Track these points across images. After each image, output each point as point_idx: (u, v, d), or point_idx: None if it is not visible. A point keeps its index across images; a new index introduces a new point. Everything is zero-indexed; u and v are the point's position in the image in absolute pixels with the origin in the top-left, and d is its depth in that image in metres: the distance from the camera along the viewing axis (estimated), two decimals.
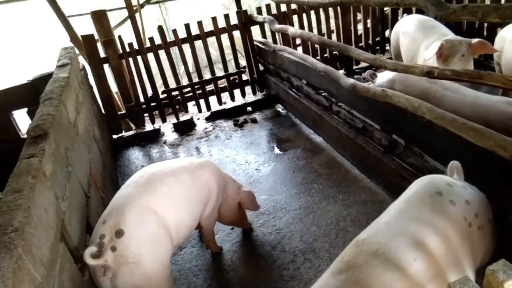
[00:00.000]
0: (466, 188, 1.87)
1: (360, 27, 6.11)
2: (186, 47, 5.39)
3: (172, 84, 5.47)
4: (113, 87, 5.58)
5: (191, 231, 2.66)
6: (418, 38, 3.95)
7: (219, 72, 5.72)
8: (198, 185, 2.59)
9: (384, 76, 3.23)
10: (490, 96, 2.76)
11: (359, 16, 6.10)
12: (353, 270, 1.55)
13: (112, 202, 2.31)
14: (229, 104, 5.73)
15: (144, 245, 2.09)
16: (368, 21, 6.01)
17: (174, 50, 6.41)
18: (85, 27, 6.24)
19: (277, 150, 4.41)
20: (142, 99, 5.36)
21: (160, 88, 5.46)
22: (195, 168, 2.66)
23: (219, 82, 5.65)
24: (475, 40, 3.28)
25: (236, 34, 5.54)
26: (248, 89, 5.82)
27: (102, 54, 5.11)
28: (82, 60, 5.15)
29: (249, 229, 3.21)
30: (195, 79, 5.50)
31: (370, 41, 6.09)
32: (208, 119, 5.54)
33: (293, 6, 5.55)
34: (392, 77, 3.14)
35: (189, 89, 5.51)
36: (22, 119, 4.43)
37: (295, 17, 5.67)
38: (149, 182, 2.34)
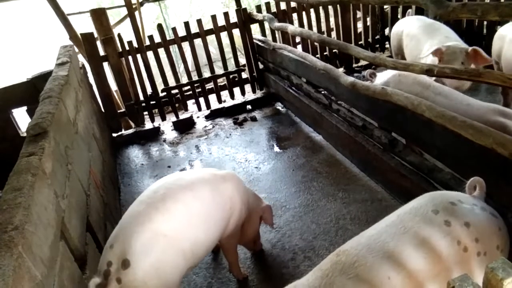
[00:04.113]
0: (474, 210, 1.72)
1: (359, 25, 6.11)
2: (185, 45, 5.39)
3: (171, 82, 5.47)
4: (113, 85, 5.58)
5: (209, 252, 2.45)
6: (421, 39, 3.95)
7: (219, 71, 5.71)
8: (219, 202, 2.34)
9: (380, 78, 3.24)
10: (482, 104, 2.76)
11: (359, 14, 6.10)
12: (327, 280, 1.56)
13: (122, 221, 2.13)
14: (228, 103, 5.73)
15: (151, 277, 1.96)
16: (368, 19, 6.01)
17: (174, 48, 6.41)
18: (85, 25, 6.23)
19: (276, 148, 4.41)
20: (141, 97, 5.36)
21: (160, 86, 5.45)
22: (217, 181, 2.40)
23: (218, 80, 5.64)
24: (470, 48, 3.29)
25: (236, 32, 5.53)
26: (247, 87, 5.82)
27: (101, 52, 5.10)
28: (81, 58, 5.14)
29: (258, 251, 2.96)
30: (195, 78, 5.50)
31: (370, 39, 6.09)
32: (207, 117, 5.54)
33: (293, 4, 5.54)
34: (387, 80, 3.15)
35: (189, 87, 5.51)
36: (21, 117, 4.43)
37: (294, 15, 5.66)
38: (163, 199, 2.14)
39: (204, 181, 2.35)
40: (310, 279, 1.62)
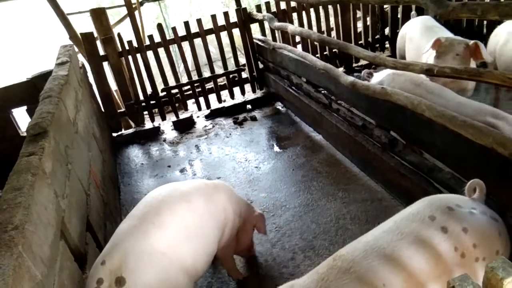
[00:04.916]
0: (472, 214, 1.70)
1: (359, 24, 6.11)
2: (185, 45, 5.39)
3: (171, 82, 5.47)
4: (113, 85, 5.58)
5: (209, 265, 2.34)
6: (421, 44, 3.96)
7: (219, 70, 5.72)
8: (214, 212, 2.29)
9: (376, 78, 3.25)
10: (473, 104, 2.76)
11: (359, 13, 6.10)
12: (322, 283, 1.57)
13: (114, 237, 2.00)
14: (228, 102, 5.73)
15: None
16: (368, 18, 6.01)
17: (174, 48, 6.41)
18: (84, 25, 6.24)
19: (276, 148, 4.41)
20: (141, 97, 5.36)
21: (160, 86, 5.45)
22: (210, 191, 2.35)
23: (218, 80, 5.64)
24: (472, 42, 3.28)
25: (236, 32, 5.53)
26: (247, 87, 5.82)
27: (101, 52, 5.10)
28: (81, 58, 5.14)
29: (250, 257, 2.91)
30: (195, 77, 5.50)
31: (369, 39, 6.09)
32: (207, 117, 5.54)
33: (293, 3, 5.55)
34: (382, 78, 3.17)
35: (189, 87, 5.51)
36: (21, 117, 4.43)
37: (294, 15, 5.66)
38: (158, 212, 2.05)
39: (198, 192, 2.28)
40: (307, 281, 1.64)
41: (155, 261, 1.89)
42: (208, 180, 2.54)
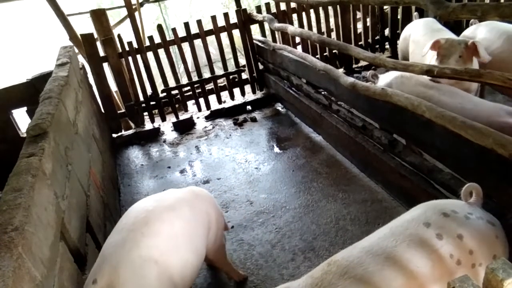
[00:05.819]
0: (468, 220, 1.68)
1: (359, 25, 6.11)
2: (185, 46, 5.39)
3: (171, 83, 5.47)
4: (113, 86, 5.58)
5: (198, 271, 2.33)
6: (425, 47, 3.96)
7: (219, 71, 5.71)
8: (199, 217, 2.30)
9: (382, 80, 3.23)
10: (489, 104, 2.74)
11: (359, 14, 6.10)
12: None
13: (103, 252, 1.92)
14: (228, 103, 5.73)
15: None
16: (368, 19, 6.00)
17: (174, 49, 6.41)
18: (85, 26, 6.24)
19: (276, 149, 4.41)
20: (141, 98, 5.36)
21: (160, 87, 5.45)
22: (192, 198, 2.37)
23: (218, 81, 5.65)
24: (471, 41, 3.26)
25: (236, 33, 5.54)
26: (247, 88, 5.82)
27: (101, 53, 5.10)
28: (81, 59, 5.14)
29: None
30: (195, 78, 5.50)
31: (369, 40, 6.08)
32: (207, 118, 5.54)
33: (293, 4, 5.55)
34: (390, 81, 3.14)
35: (189, 88, 5.51)
36: (21, 118, 4.43)
37: (294, 16, 5.66)
38: (147, 222, 2.00)
39: (182, 200, 2.28)
40: (302, 284, 1.64)
41: (147, 274, 1.83)
42: (185, 188, 2.53)
